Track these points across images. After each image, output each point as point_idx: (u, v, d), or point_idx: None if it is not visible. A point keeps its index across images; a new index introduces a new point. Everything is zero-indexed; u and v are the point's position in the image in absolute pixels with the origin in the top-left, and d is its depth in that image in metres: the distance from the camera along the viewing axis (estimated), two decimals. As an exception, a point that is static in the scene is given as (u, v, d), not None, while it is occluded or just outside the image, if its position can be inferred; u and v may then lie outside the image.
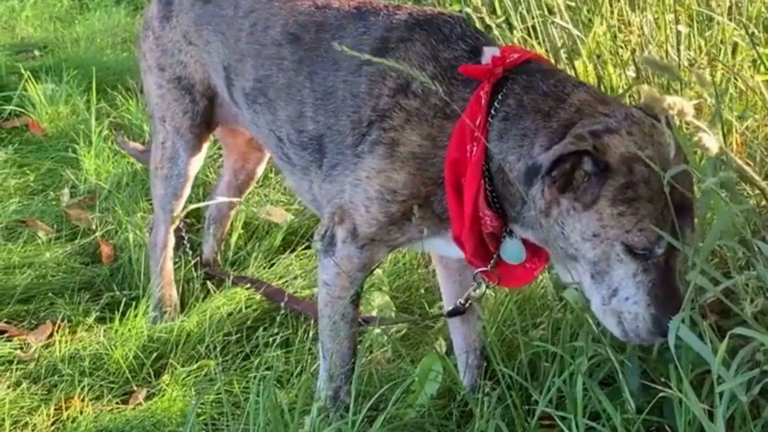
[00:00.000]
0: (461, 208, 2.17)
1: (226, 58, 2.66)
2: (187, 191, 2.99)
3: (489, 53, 2.20)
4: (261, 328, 2.86)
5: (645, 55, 1.03)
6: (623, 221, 1.97)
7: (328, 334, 2.40)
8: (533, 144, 2.10)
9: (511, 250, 2.24)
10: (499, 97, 2.16)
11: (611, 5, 3.74)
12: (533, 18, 3.58)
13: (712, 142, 1.17)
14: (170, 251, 3.07)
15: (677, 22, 3.51)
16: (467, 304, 2.41)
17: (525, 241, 2.24)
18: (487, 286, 2.35)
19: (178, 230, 3.26)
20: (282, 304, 2.82)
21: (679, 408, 1.86)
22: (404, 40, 2.29)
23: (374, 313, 2.90)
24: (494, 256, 2.25)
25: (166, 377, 2.66)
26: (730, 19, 3.69)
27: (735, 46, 3.76)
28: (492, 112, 2.15)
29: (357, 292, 2.39)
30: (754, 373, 1.60)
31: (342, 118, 2.33)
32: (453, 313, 2.45)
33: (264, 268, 3.21)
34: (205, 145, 2.99)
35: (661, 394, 1.92)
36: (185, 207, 3.06)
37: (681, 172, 1.72)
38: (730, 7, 3.74)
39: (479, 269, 2.28)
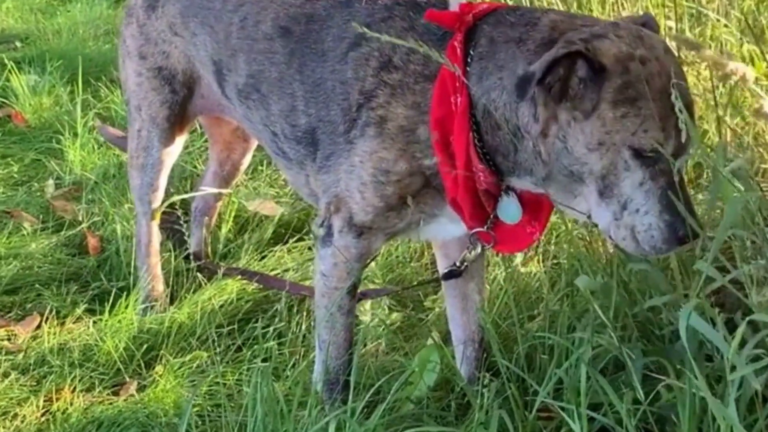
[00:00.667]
0: (453, 167, 2.13)
1: (216, 53, 2.63)
2: (163, 181, 2.96)
3: (455, 2, 2.19)
4: (253, 320, 2.84)
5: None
6: (627, 123, 1.91)
7: (325, 326, 2.38)
8: (515, 70, 2.05)
9: (508, 209, 2.19)
10: (473, 43, 2.12)
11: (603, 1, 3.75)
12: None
13: None
14: (156, 244, 3.03)
15: (666, 17, 3.51)
16: (463, 266, 2.37)
17: (523, 201, 2.19)
18: (483, 248, 2.31)
19: (168, 222, 3.23)
20: (281, 290, 2.78)
21: (682, 397, 1.84)
22: (385, 19, 2.27)
23: (367, 306, 2.87)
24: (491, 216, 2.21)
25: (158, 368, 2.62)
26: (720, 16, 3.70)
27: (722, 43, 3.77)
28: (468, 60, 2.11)
29: (354, 283, 2.37)
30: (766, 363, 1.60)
31: (333, 108, 2.31)
32: (449, 275, 2.41)
33: (255, 260, 3.18)
34: (181, 136, 2.95)
35: (663, 383, 1.90)
36: (167, 198, 3.03)
37: (676, 71, 1.68)
38: (719, 5, 3.75)
39: (475, 230, 2.23)
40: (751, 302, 1.76)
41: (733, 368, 1.60)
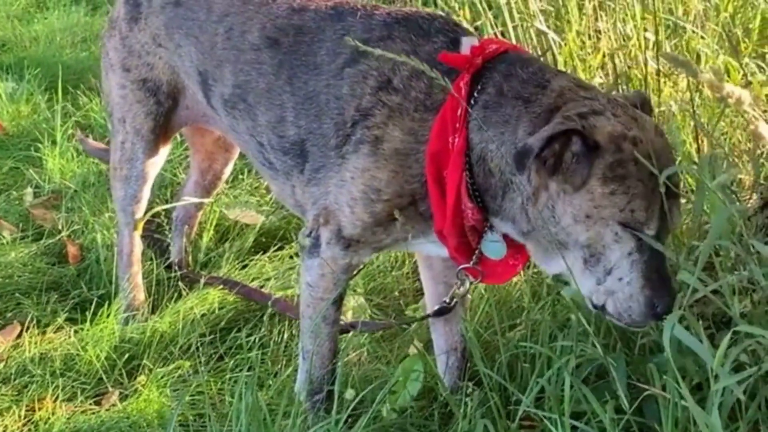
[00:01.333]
0: (444, 202, 2.17)
1: (201, 64, 2.63)
2: (146, 193, 2.95)
3: (468, 43, 2.21)
4: (235, 329, 2.84)
5: (665, 52, 1.03)
6: (615, 200, 1.96)
7: (309, 336, 2.39)
8: (516, 130, 2.10)
9: (492, 246, 2.24)
10: (479, 87, 2.16)
11: (580, 13, 3.78)
12: (509, 22, 3.60)
13: (766, 130, 1.18)
14: (137, 254, 3.02)
15: (645, 29, 3.55)
16: (453, 303, 2.40)
17: (505, 237, 2.23)
18: (471, 283, 2.34)
19: (148, 231, 3.23)
20: (267, 304, 2.79)
21: (666, 407, 1.86)
22: (384, 38, 2.29)
23: (349, 315, 2.88)
24: (476, 251, 2.24)
25: (141, 378, 2.62)
26: (697, 28, 3.75)
27: (699, 55, 3.82)
28: (472, 102, 2.15)
29: (340, 294, 2.38)
30: (753, 371, 1.62)
31: (325, 121, 2.32)
32: (439, 312, 2.44)
33: (236, 269, 3.18)
34: (165, 147, 2.94)
35: (646, 393, 1.93)
36: (149, 209, 3.03)
37: (666, 155, 1.71)
38: (695, 17, 3.80)
39: (462, 266, 2.27)
40: (733, 312, 1.79)
41: (716, 378, 1.62)
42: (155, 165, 2.94)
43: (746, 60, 3.93)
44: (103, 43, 2.94)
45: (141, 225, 2.99)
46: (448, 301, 2.40)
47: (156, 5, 2.75)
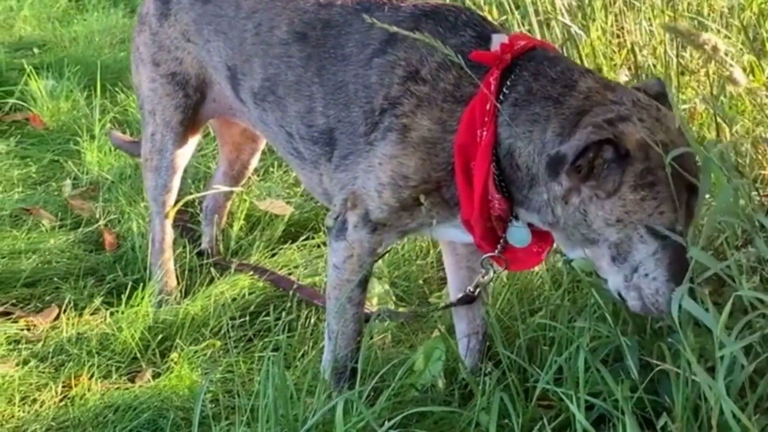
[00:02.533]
0: (471, 192, 2.25)
1: (230, 59, 2.72)
2: (176, 183, 3.06)
3: (498, 40, 2.28)
4: (264, 313, 2.93)
5: (666, 23, 1.09)
6: (645, 206, 2.06)
7: (335, 316, 2.47)
8: (545, 130, 2.18)
9: (518, 234, 2.32)
10: (508, 83, 2.23)
11: (606, 11, 3.84)
12: (533, 18, 3.67)
13: (741, 75, 1.25)
14: (168, 242, 3.12)
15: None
16: (477, 291, 2.47)
17: (530, 225, 2.31)
18: (495, 272, 2.41)
19: (181, 221, 3.33)
20: (291, 291, 2.88)
21: (677, 382, 1.93)
22: (412, 30, 2.32)
23: (374, 301, 2.96)
24: (501, 240, 2.32)
25: (174, 355, 2.72)
26: (722, 26, 3.79)
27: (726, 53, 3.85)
28: (501, 97, 2.23)
29: (365, 276, 2.46)
30: (755, 337, 1.68)
31: (354, 110, 2.40)
32: (463, 300, 2.51)
33: (266, 257, 3.28)
34: (194, 138, 3.05)
35: (658, 368, 1.99)
36: (180, 199, 3.12)
37: (688, 154, 1.79)
38: (721, 14, 3.85)
39: (487, 254, 2.35)
40: (740, 288, 1.85)
41: (722, 347, 1.69)
42: (184, 156, 3.05)
43: (773, 60, 3.97)
44: (133, 39, 3.05)
45: (172, 213, 3.10)
46: (471, 290, 2.47)
47: (185, 2, 2.85)
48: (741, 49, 3.79)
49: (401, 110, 2.30)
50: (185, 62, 2.89)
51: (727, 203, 1.74)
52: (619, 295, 2.19)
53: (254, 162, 3.34)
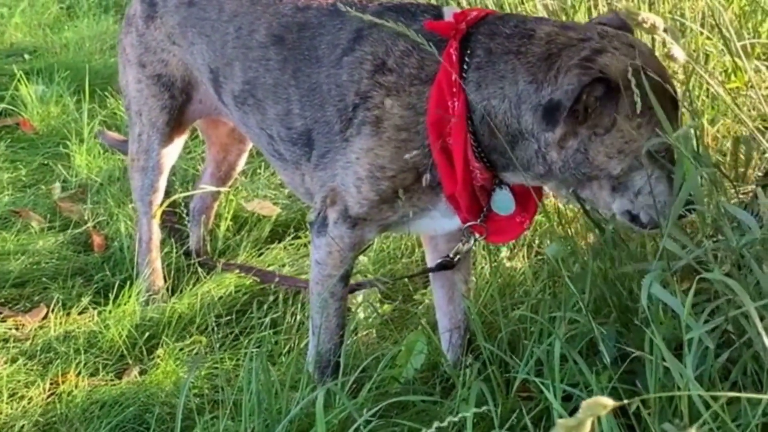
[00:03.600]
0: (451, 166, 2.27)
1: (212, 61, 2.76)
2: (163, 183, 3.10)
3: (449, 12, 2.34)
4: (250, 311, 2.97)
5: (623, 10, 1.11)
6: (642, 131, 2.10)
7: (318, 311, 2.50)
8: (516, 82, 2.20)
9: (502, 201, 2.35)
10: (468, 51, 2.27)
11: (588, 12, 3.89)
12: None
13: (680, 52, 1.29)
14: (156, 242, 3.16)
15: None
16: (456, 259, 2.50)
17: (514, 193, 2.34)
18: (476, 240, 2.45)
19: (169, 222, 3.37)
20: (274, 283, 2.92)
21: (651, 369, 1.96)
22: (376, 24, 2.39)
23: (359, 299, 3.00)
24: (484, 210, 2.35)
25: (159, 351, 2.75)
26: (703, 27, 3.84)
27: (708, 54, 3.90)
28: (464, 66, 2.26)
29: (347, 270, 2.50)
30: (720, 321, 1.72)
31: (329, 109, 2.43)
32: (441, 267, 2.54)
33: (253, 257, 3.31)
34: (180, 139, 3.10)
35: (633, 356, 2.02)
36: (165, 198, 3.16)
37: (663, 70, 1.82)
38: (703, 16, 3.89)
39: (468, 223, 2.37)
40: (713, 278, 1.88)
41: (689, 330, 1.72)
42: (171, 156, 3.09)
43: (755, 63, 4.02)
44: (120, 40, 3.09)
45: (159, 213, 3.13)
46: (451, 256, 2.50)
47: (171, 5, 2.89)
48: (722, 50, 3.84)
49: (372, 103, 2.34)
50: (171, 64, 2.93)
51: (694, 189, 1.77)
52: (629, 214, 2.21)
53: (241, 163, 3.38)
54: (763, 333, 1.57)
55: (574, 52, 2.16)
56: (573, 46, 2.18)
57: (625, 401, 1.13)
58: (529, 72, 2.19)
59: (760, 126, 3.31)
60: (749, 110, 3.52)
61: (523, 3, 3.96)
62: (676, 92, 2.15)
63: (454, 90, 2.24)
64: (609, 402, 0.80)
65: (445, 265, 2.56)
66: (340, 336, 2.52)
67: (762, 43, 4.14)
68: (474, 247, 2.65)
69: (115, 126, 4.34)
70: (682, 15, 3.94)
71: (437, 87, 2.27)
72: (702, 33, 3.85)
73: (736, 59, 4.01)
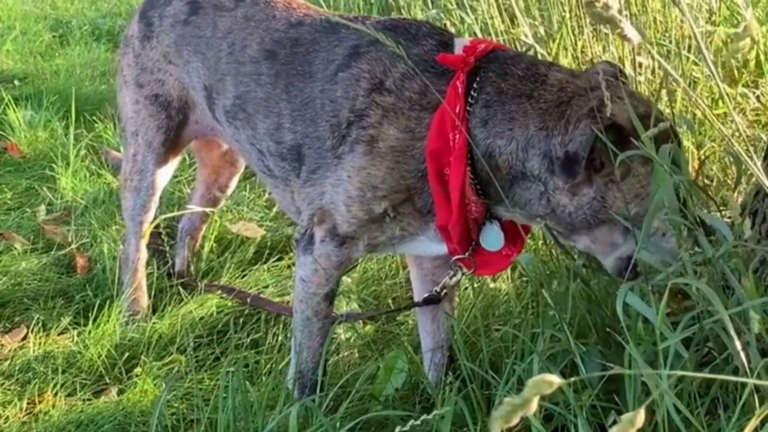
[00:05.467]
0: (446, 197, 2.26)
1: (206, 78, 2.76)
2: (155, 203, 3.08)
3: (460, 44, 2.32)
4: (231, 332, 2.94)
5: (590, 7, 1.10)
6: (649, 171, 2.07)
7: (301, 330, 2.48)
8: (527, 126, 2.19)
9: (491, 237, 2.33)
10: (475, 85, 2.25)
11: (576, 38, 3.90)
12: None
13: (633, 33, 1.28)
14: (142, 261, 3.14)
15: (638, 53, 3.66)
16: (443, 293, 2.48)
17: (503, 227, 2.33)
18: (463, 274, 2.43)
19: (153, 243, 3.35)
20: (252, 305, 2.89)
21: (630, 383, 1.94)
22: (374, 42, 2.38)
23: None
24: (473, 243, 2.33)
25: (138, 370, 2.72)
26: (690, 52, 3.85)
27: (694, 79, 3.92)
28: (470, 100, 2.25)
29: (332, 289, 2.47)
30: (695, 329, 1.70)
31: (321, 125, 2.42)
32: (428, 301, 2.52)
33: (236, 278, 3.29)
34: (174, 160, 3.08)
35: (611, 372, 2.00)
36: (155, 218, 3.14)
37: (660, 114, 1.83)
38: (689, 43, 3.90)
39: (456, 257, 2.36)
40: (690, 289, 1.87)
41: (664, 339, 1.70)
42: (164, 177, 3.07)
43: (741, 89, 4.04)
44: (118, 62, 3.08)
45: (148, 233, 3.11)
46: (438, 290, 2.49)
47: (167, 24, 2.89)
48: (709, 75, 3.85)
49: (368, 122, 2.32)
50: (167, 84, 2.92)
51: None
52: (628, 260, 2.16)
53: (232, 186, 3.36)
54: (738, 344, 1.55)
55: (583, 102, 2.16)
56: (582, 95, 2.18)
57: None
58: (540, 118, 2.19)
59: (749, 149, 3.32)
60: (737, 135, 3.52)
61: (510, 30, 3.98)
62: (677, 135, 2.14)
63: (457, 123, 2.23)
64: (555, 380, 0.78)
65: (432, 300, 2.54)
66: (322, 355, 2.49)
67: (749, 71, 4.16)
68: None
69: (102, 149, 4.32)
70: (670, 41, 3.96)
71: (440, 116, 2.26)
72: (689, 58, 3.87)
73: (724, 85, 4.03)
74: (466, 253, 2.36)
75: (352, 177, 2.34)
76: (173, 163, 3.09)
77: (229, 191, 3.38)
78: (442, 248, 2.41)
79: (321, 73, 2.46)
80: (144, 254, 3.15)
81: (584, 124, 2.10)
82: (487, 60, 2.30)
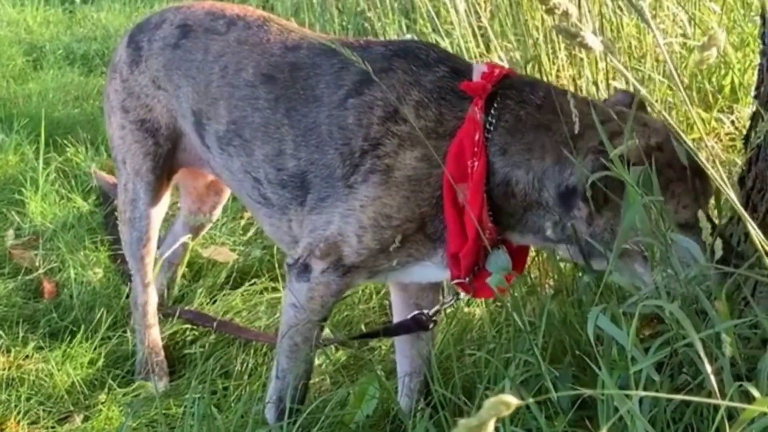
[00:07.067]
0: (461, 225, 2.22)
1: (195, 103, 2.66)
2: (153, 235, 2.93)
3: (478, 70, 2.28)
4: (203, 356, 2.89)
5: (557, 24, 1.07)
6: (668, 207, 2.02)
7: (287, 356, 2.41)
8: (543, 158, 2.17)
9: (500, 261, 2.28)
10: (493, 111, 2.22)
11: (551, 62, 3.90)
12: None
13: (594, 41, 1.25)
14: (152, 307, 2.98)
15: (613, 78, 3.66)
16: (434, 317, 2.45)
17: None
18: (459, 299, 2.39)
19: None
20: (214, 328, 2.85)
21: (602, 407, 1.90)
22: (385, 70, 2.32)
23: (314, 345, 2.92)
24: (475, 268, 2.29)
25: (102, 396, 2.66)
26: (664, 77, 3.86)
27: (669, 105, 3.92)
28: (489, 127, 2.21)
29: (325, 316, 2.41)
30: (666, 352, 1.67)
31: (329, 152, 2.34)
32: (417, 323, 2.48)
33: (207, 304, 3.24)
34: (167, 190, 2.95)
35: (577, 392, 1.97)
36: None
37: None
38: (664, 68, 3.91)
39: (456, 281, 2.31)
40: (664, 312, 1.84)
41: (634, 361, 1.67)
42: (159, 206, 2.92)
43: (716, 114, 4.05)
44: (105, 88, 2.98)
45: (154, 276, 2.98)
46: (431, 314, 2.45)
47: (156, 48, 2.79)
48: (684, 100, 3.85)
49: (383, 151, 2.26)
50: (155, 110, 2.81)
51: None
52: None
53: (216, 215, 3.26)
54: (708, 367, 1.52)
55: (594, 135, 2.11)
56: (593, 128, 2.12)
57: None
58: (556, 152, 2.16)
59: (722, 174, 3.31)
60: (711, 159, 3.52)
61: (486, 54, 3.97)
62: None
63: (476, 150, 2.19)
64: (513, 400, 0.74)
65: (421, 323, 2.50)
66: (305, 381, 2.43)
67: (725, 96, 4.18)
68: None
69: (72, 174, 4.27)
70: (645, 66, 3.96)
71: (458, 144, 2.22)
72: (664, 83, 3.88)
73: (698, 110, 4.04)
74: (467, 278, 2.31)
75: (366, 207, 2.27)
76: (167, 194, 2.95)
77: (213, 219, 3.28)
78: (445, 274, 2.36)
79: (327, 98, 2.38)
80: (153, 298, 2.99)
81: (588, 159, 2.08)
82: (503, 86, 2.27)
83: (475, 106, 2.22)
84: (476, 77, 2.28)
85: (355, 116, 2.31)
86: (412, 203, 2.26)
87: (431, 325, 2.51)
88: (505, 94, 2.25)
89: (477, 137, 2.20)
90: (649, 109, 2.32)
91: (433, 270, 2.37)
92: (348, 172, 2.30)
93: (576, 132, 2.13)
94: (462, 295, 2.42)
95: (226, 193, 3.18)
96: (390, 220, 2.26)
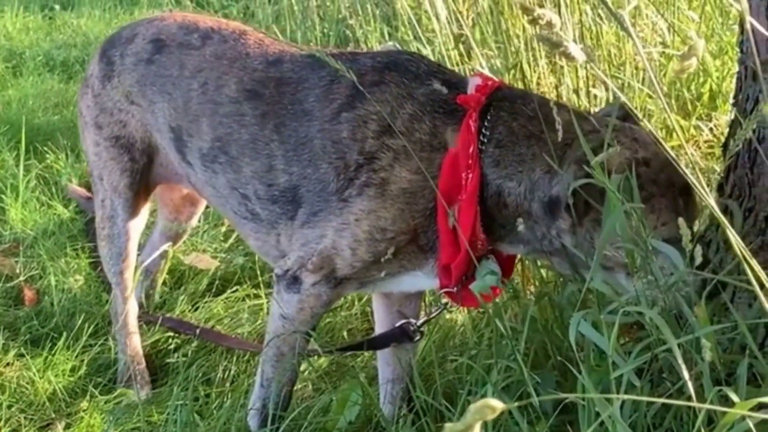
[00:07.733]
0: (454, 237, 2.22)
1: (174, 119, 2.63)
2: (132, 250, 2.91)
3: (473, 83, 2.29)
4: (184, 364, 2.89)
5: (539, 33, 1.08)
6: (648, 222, 2.02)
7: (272, 365, 2.40)
8: (533, 169, 2.18)
9: (489, 272, 2.29)
10: (486, 124, 2.23)
11: (532, 70, 3.92)
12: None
13: (578, 52, 1.26)
14: (132, 318, 2.97)
15: (593, 85, 3.68)
16: (421, 328, 2.46)
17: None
18: (446, 308, 2.41)
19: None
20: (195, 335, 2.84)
21: (584, 413, 1.92)
22: (377, 83, 2.32)
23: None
24: (464, 278, 2.29)
25: (84, 404, 2.66)
26: (643, 84, 3.88)
27: (649, 112, 3.95)
28: (483, 139, 2.22)
29: (314, 326, 2.41)
30: (646, 357, 1.68)
31: (322, 166, 2.33)
32: (405, 335, 2.49)
33: (189, 311, 3.24)
34: (145, 205, 2.93)
35: (555, 396, 1.98)
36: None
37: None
38: (644, 75, 3.94)
39: (444, 290, 2.32)
40: (644, 320, 1.85)
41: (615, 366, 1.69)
42: (137, 222, 2.90)
43: (695, 121, 4.08)
44: (78, 103, 2.94)
45: (132, 292, 2.96)
46: (418, 324, 2.46)
47: (129, 63, 2.76)
48: (663, 108, 3.88)
49: (379, 164, 2.26)
50: (129, 125, 2.78)
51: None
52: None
53: (193, 224, 3.26)
54: (685, 372, 1.54)
55: (580, 146, 2.11)
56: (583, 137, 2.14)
57: None
58: (545, 162, 2.17)
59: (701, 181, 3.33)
60: (690, 166, 3.55)
61: (467, 61, 3.98)
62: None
63: (470, 162, 2.20)
64: (498, 404, 0.75)
65: (407, 334, 2.50)
66: (290, 392, 2.43)
67: (703, 104, 4.21)
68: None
69: (52, 181, 4.25)
70: (624, 74, 3.99)
71: (452, 157, 2.23)
72: (643, 90, 3.90)
73: (677, 117, 4.07)
74: (455, 288, 2.32)
75: (360, 220, 2.27)
76: (145, 209, 2.93)
77: (190, 228, 3.27)
78: (434, 283, 2.37)
79: (319, 112, 2.37)
80: (133, 311, 2.97)
81: (571, 170, 2.09)
82: (496, 98, 2.28)
83: (469, 118, 2.23)
84: (471, 90, 2.29)
85: (349, 130, 2.31)
86: (407, 215, 2.26)
87: (417, 337, 2.52)
88: (498, 106, 2.26)
89: (471, 149, 2.21)
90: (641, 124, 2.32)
91: (422, 279, 2.37)
92: (342, 186, 2.30)
93: (564, 143, 2.15)
94: (449, 304, 2.42)
95: (202, 204, 3.17)
96: (385, 232, 2.27)
